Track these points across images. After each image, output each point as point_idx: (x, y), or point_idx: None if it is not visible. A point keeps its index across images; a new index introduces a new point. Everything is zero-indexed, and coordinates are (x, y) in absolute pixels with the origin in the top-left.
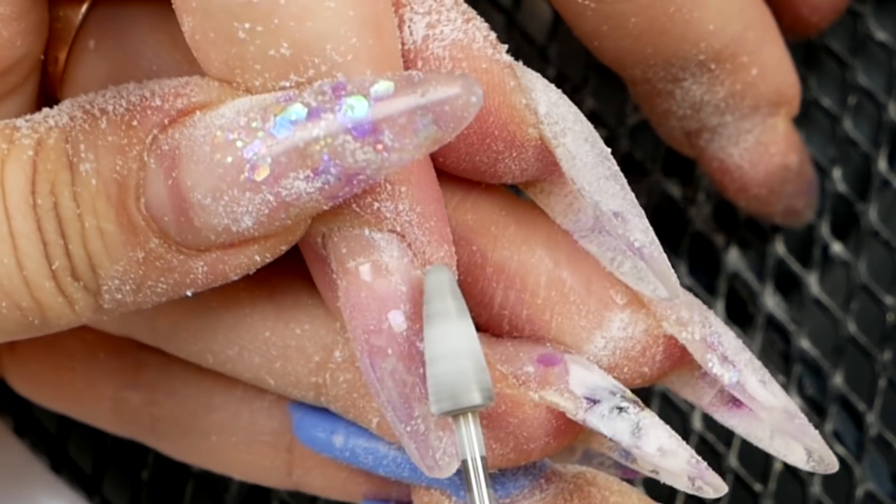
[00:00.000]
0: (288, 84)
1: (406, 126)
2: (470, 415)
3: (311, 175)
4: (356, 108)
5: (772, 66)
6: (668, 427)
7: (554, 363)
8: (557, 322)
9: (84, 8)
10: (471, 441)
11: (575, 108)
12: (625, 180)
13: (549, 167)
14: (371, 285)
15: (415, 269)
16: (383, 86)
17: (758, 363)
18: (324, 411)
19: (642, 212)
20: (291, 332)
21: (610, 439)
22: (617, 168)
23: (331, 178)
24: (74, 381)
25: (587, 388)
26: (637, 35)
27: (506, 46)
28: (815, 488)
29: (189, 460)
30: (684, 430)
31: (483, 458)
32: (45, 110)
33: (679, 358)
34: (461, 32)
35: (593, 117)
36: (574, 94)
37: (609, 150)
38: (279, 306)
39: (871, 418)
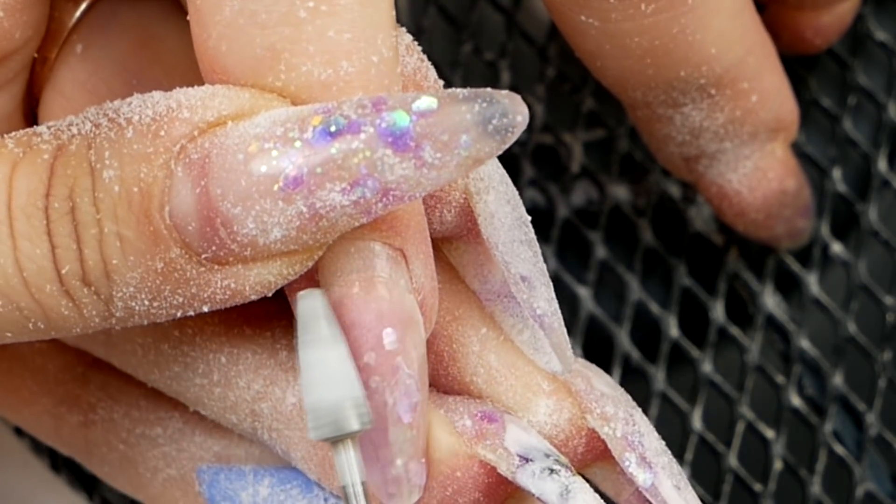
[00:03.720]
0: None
1: (448, 143)
2: (350, 441)
3: (348, 188)
4: (398, 122)
5: (771, 93)
6: (596, 495)
7: (493, 420)
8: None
9: (79, 11)
10: (350, 467)
11: (503, 171)
12: (539, 249)
13: (467, 225)
14: (367, 301)
15: (408, 292)
16: (426, 101)
17: (676, 467)
18: (231, 471)
19: (550, 282)
20: (234, 359)
21: (538, 500)
22: (533, 236)
23: (367, 191)
24: (20, 389)
25: (521, 447)
26: (640, 55)
27: None
28: (815, 488)
29: (120, 488)
30: (684, 430)
31: (363, 484)
32: (70, 118)
33: (602, 452)
34: (412, 69)
35: (593, 117)
36: (574, 94)
37: (529, 217)
38: (226, 330)
39: (871, 418)
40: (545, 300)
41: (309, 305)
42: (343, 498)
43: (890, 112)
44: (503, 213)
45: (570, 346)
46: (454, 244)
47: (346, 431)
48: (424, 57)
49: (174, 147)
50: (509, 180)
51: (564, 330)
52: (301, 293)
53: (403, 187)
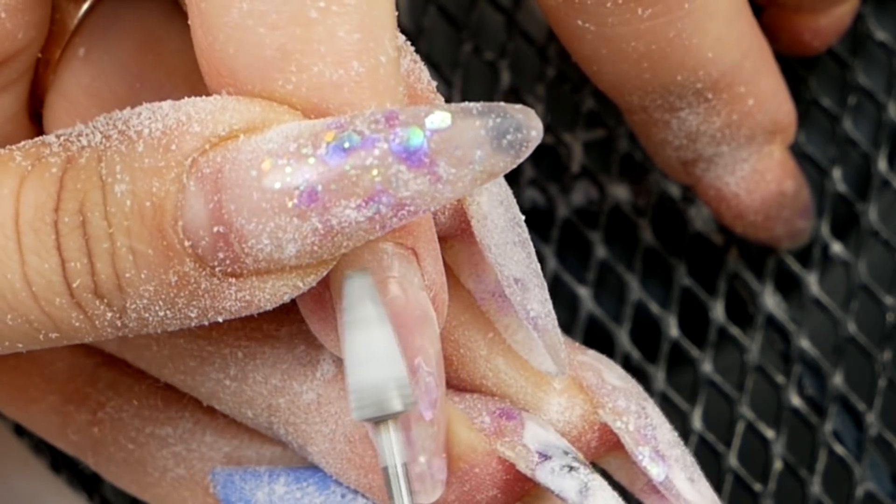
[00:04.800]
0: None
1: (463, 158)
2: (391, 422)
3: (363, 204)
4: (412, 139)
5: (768, 96)
6: (615, 493)
7: (511, 417)
8: None
9: (80, 13)
10: (391, 448)
11: None
12: (532, 249)
13: (461, 225)
14: (394, 303)
15: (421, 290)
16: (439, 117)
17: (690, 459)
18: (246, 471)
19: (544, 283)
20: (251, 354)
21: (557, 497)
22: (527, 236)
23: (382, 207)
24: (27, 386)
25: (540, 444)
26: (636, 59)
27: (442, 99)
28: (815, 488)
29: (126, 488)
30: (684, 430)
31: (405, 466)
32: (79, 127)
33: (615, 443)
34: (406, 70)
35: (593, 117)
36: (574, 94)
37: (523, 217)
38: (243, 325)
39: (871, 418)
40: (538, 302)
41: (356, 286)
42: (385, 479)
43: (890, 112)
44: (496, 214)
45: (564, 347)
46: (449, 243)
47: (390, 412)
48: (417, 58)
49: (185, 161)
50: (503, 181)
51: (559, 331)
52: (348, 273)
53: (418, 202)
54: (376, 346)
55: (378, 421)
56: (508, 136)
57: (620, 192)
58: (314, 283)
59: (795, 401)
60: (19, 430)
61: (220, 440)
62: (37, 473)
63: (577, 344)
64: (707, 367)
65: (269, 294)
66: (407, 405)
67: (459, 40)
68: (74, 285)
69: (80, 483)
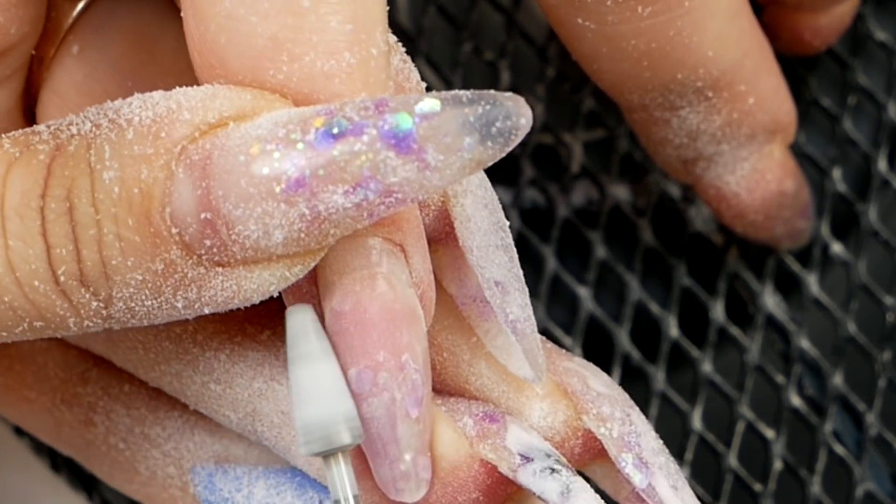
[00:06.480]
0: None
1: (451, 146)
2: (340, 455)
3: (350, 190)
4: (401, 125)
5: (768, 95)
6: (597, 495)
7: (494, 420)
8: None
9: (75, 11)
10: (342, 481)
11: (482, 174)
12: (515, 254)
13: (444, 229)
14: (371, 298)
15: (409, 287)
16: (429, 103)
17: (674, 467)
18: (226, 472)
19: (526, 288)
20: (235, 357)
21: (539, 499)
22: (510, 241)
23: (370, 193)
24: (20, 387)
25: (523, 447)
26: (636, 58)
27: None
28: (815, 488)
29: (118, 487)
30: (684, 430)
31: (356, 498)
32: (70, 117)
33: (599, 450)
34: (395, 69)
35: (593, 117)
36: (574, 94)
37: (507, 222)
38: (228, 328)
39: (871, 418)
40: (518, 306)
41: (297, 320)
42: None
43: (890, 112)
44: (480, 217)
45: (542, 353)
46: (432, 247)
47: (338, 445)
48: (407, 58)
49: (175, 148)
50: (489, 184)
51: (537, 336)
52: (290, 308)
53: (406, 189)
54: (322, 381)
55: (327, 455)
56: (497, 124)
57: (620, 192)
58: (301, 275)
59: (795, 401)
60: (19, 431)
61: (210, 439)
62: (37, 473)
63: (563, 351)
64: (707, 367)
65: (256, 284)
66: (355, 438)
67: (459, 40)
68: (59, 272)
69: (80, 483)
